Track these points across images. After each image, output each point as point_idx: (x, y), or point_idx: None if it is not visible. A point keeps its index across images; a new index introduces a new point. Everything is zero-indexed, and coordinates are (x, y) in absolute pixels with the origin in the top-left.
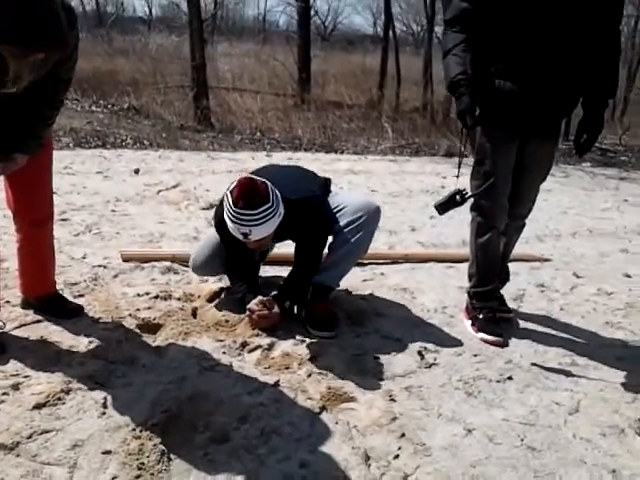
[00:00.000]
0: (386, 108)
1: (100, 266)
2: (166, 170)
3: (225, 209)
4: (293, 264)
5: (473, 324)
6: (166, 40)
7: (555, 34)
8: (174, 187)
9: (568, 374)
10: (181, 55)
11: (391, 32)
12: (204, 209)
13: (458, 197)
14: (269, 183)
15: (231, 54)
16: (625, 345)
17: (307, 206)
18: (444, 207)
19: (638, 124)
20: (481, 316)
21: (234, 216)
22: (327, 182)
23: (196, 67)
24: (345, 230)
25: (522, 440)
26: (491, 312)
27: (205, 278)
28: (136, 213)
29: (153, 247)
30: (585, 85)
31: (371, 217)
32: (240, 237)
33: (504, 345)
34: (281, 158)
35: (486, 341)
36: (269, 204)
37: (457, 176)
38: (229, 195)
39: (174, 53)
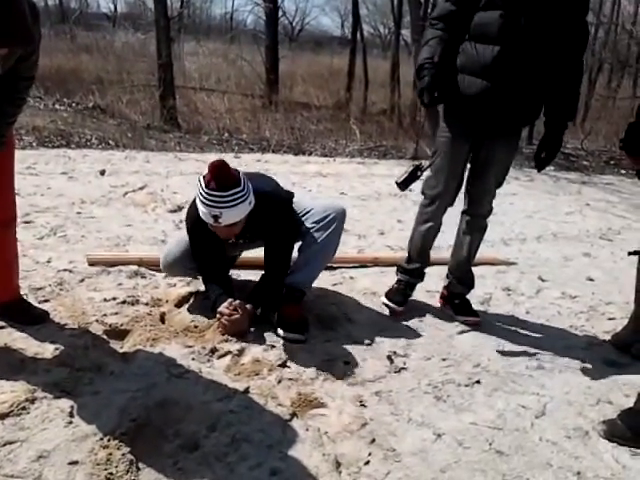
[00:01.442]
0: (354, 110)
1: (65, 270)
2: (133, 171)
3: (197, 194)
4: (264, 267)
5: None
6: (131, 37)
7: (521, 44)
8: (141, 189)
9: (535, 378)
10: (147, 53)
11: (359, 34)
12: (171, 211)
13: (418, 172)
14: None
15: (198, 53)
16: (588, 348)
17: (276, 201)
18: (406, 182)
19: (598, 129)
20: (395, 285)
21: (205, 198)
22: (290, 193)
23: (163, 66)
24: (312, 230)
25: (490, 444)
26: (403, 285)
27: (173, 282)
28: (102, 215)
29: (120, 251)
30: (547, 105)
31: (337, 217)
32: (211, 221)
33: (399, 314)
34: (250, 160)
35: (386, 305)
36: (240, 187)
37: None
38: (202, 179)
39: (140, 51)
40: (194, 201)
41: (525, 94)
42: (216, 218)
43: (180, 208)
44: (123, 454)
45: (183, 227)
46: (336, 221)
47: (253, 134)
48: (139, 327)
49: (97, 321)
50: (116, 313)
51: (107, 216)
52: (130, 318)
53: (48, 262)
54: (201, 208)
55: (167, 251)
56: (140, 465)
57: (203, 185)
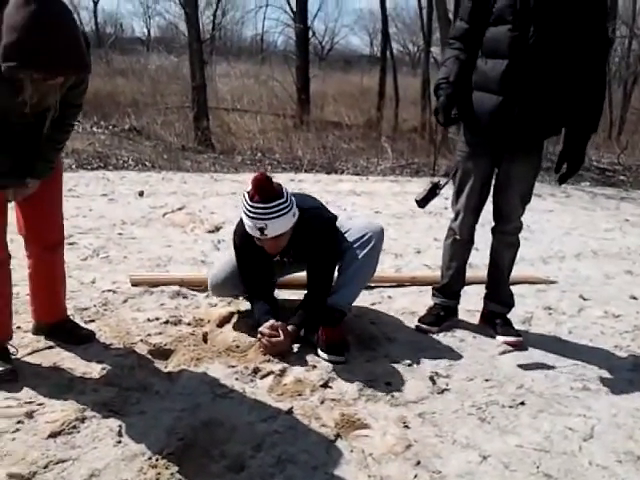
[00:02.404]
0: (385, 128)
1: (109, 291)
2: (170, 192)
3: (242, 209)
4: (307, 286)
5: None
6: (165, 60)
7: (530, 57)
8: (179, 210)
9: (580, 399)
10: (180, 75)
11: (388, 53)
12: (210, 232)
13: (437, 190)
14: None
15: (230, 74)
16: (635, 368)
17: (321, 218)
18: (425, 200)
19: (635, 143)
20: (429, 308)
21: (250, 211)
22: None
23: (196, 88)
24: (351, 250)
25: (538, 467)
26: (437, 307)
27: (214, 302)
28: (143, 236)
29: (161, 271)
30: (568, 117)
31: (376, 236)
32: (257, 234)
33: (433, 332)
34: (284, 179)
35: (418, 328)
36: (283, 199)
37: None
38: (246, 194)
39: (173, 73)
40: (241, 219)
41: (540, 107)
42: (262, 230)
43: (218, 228)
44: (172, 474)
45: (223, 247)
46: (374, 240)
47: (286, 154)
48: (182, 347)
49: (142, 341)
50: (160, 333)
51: (147, 237)
52: (173, 338)
53: (92, 283)
54: (247, 222)
55: (215, 273)
56: None
57: (247, 199)
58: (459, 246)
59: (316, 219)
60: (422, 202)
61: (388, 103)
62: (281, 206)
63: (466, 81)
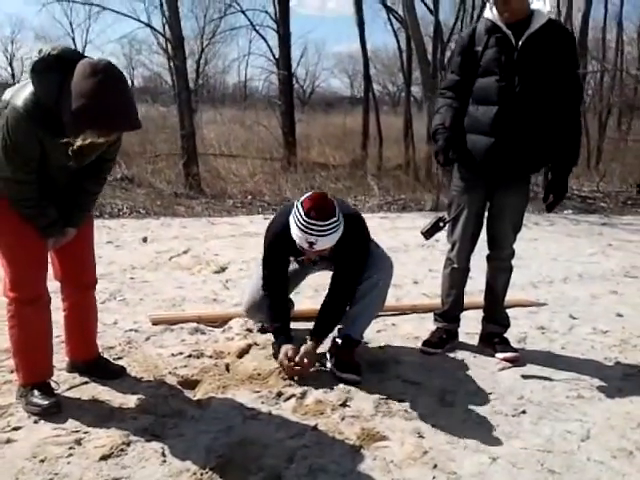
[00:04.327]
0: (370, 167)
1: (132, 330)
2: (172, 237)
3: (295, 218)
4: (330, 291)
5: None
6: (151, 109)
7: (517, 103)
8: (184, 253)
9: (576, 406)
10: (168, 124)
11: (370, 94)
12: (216, 272)
13: (441, 223)
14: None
15: (216, 121)
16: (624, 378)
17: (358, 224)
18: (430, 232)
19: (613, 171)
20: (432, 332)
21: (304, 226)
22: None
23: (186, 136)
24: (370, 278)
25: (542, 465)
26: (438, 332)
27: (231, 336)
28: (154, 279)
29: (177, 310)
30: (552, 153)
31: (390, 270)
32: (305, 245)
33: (437, 354)
34: None
35: (423, 350)
36: (336, 217)
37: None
38: (300, 206)
39: (160, 122)
40: (278, 220)
41: (526, 145)
42: (311, 244)
43: (224, 269)
44: None
45: (232, 286)
46: (388, 273)
47: (275, 195)
48: (208, 377)
49: (170, 373)
50: (185, 366)
51: (158, 279)
52: (199, 369)
53: (115, 323)
54: (297, 233)
55: (249, 296)
56: None
57: (302, 213)
58: (457, 274)
59: (354, 225)
60: (427, 234)
61: (372, 142)
62: (334, 224)
63: (459, 125)
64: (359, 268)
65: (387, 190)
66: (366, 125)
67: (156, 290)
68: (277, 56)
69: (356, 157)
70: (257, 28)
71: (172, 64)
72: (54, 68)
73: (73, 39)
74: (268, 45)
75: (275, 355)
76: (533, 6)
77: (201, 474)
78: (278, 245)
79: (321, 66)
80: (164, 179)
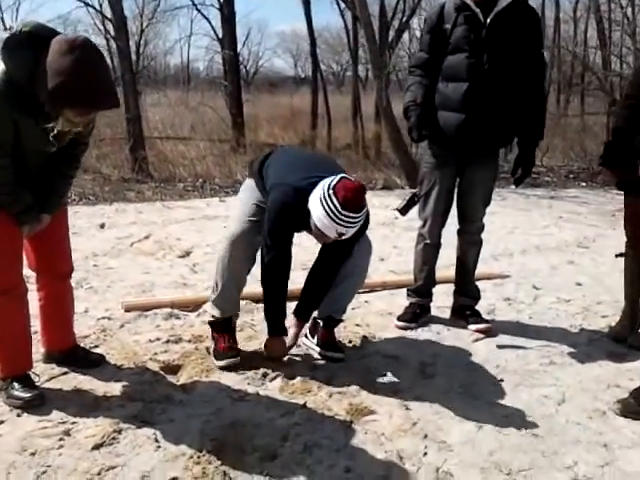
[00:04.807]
0: (319, 147)
1: (104, 318)
2: (130, 223)
3: (326, 207)
4: (315, 270)
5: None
6: None
7: (486, 80)
8: (146, 238)
9: (549, 372)
10: None
11: (318, 74)
12: (181, 257)
13: (416, 198)
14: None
15: (160, 103)
16: (590, 343)
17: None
18: (406, 208)
19: (555, 146)
20: (406, 307)
21: (339, 218)
22: None
23: (131, 119)
24: (353, 258)
25: (525, 429)
26: (413, 306)
27: (206, 320)
28: (119, 266)
29: (147, 296)
30: (518, 128)
31: (370, 250)
32: (333, 235)
33: (412, 328)
34: (234, 202)
35: (399, 327)
36: (366, 208)
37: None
38: (333, 195)
39: None
40: (288, 192)
41: (496, 121)
42: (340, 235)
43: (188, 253)
44: (216, 467)
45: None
46: (369, 254)
47: (226, 178)
48: (190, 361)
49: (151, 359)
50: (165, 351)
51: (123, 266)
52: (180, 354)
53: (86, 312)
54: (326, 222)
55: (232, 229)
56: (232, 475)
57: (337, 204)
58: (429, 249)
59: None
60: (403, 210)
61: (320, 122)
62: (363, 216)
63: (430, 102)
64: (350, 250)
65: None
66: (315, 105)
67: (122, 277)
68: (221, 36)
69: (305, 137)
70: (199, 7)
71: (115, 45)
72: (26, 45)
73: (2, 19)
74: (211, 25)
75: (273, 344)
76: None
77: (198, 457)
78: (288, 219)
79: (264, 46)
80: (110, 164)
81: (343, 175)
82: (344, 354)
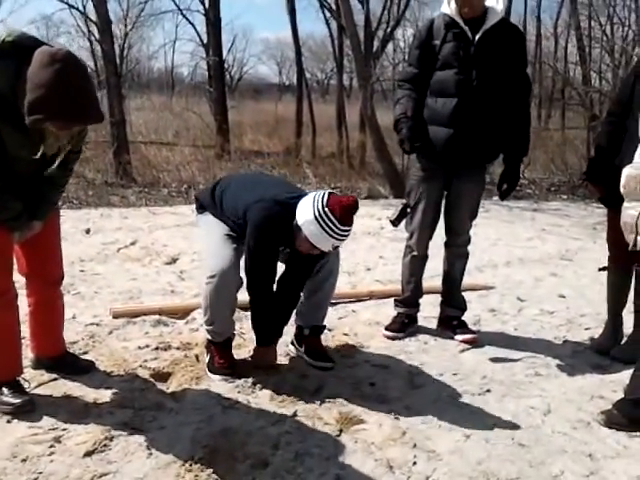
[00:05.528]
0: (304, 155)
1: (92, 324)
2: (116, 228)
3: (322, 222)
4: (285, 283)
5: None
6: None
7: (474, 96)
8: (132, 244)
9: (535, 383)
10: None
11: (303, 82)
12: (167, 264)
13: (408, 209)
14: None
15: (144, 107)
16: (574, 355)
17: None
18: (399, 219)
19: (536, 158)
20: (393, 317)
21: (337, 234)
22: None
23: (115, 123)
24: (325, 267)
25: (512, 439)
26: (399, 317)
27: (195, 327)
28: (106, 272)
29: (135, 303)
30: (504, 144)
31: (339, 255)
32: (328, 248)
33: (400, 338)
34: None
35: (386, 337)
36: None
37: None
38: (329, 212)
39: None
40: (271, 207)
41: (484, 136)
42: (335, 247)
43: (175, 260)
44: (208, 475)
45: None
46: (338, 258)
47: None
48: (180, 369)
49: (140, 366)
50: (155, 358)
51: (110, 272)
52: (169, 362)
53: (73, 318)
54: (322, 236)
55: (217, 264)
56: None
57: (335, 220)
58: (417, 261)
59: None
60: (396, 221)
61: (304, 130)
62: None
63: (420, 116)
64: (321, 258)
65: (323, 178)
66: (299, 113)
67: (109, 283)
68: (206, 41)
69: (290, 145)
70: (184, 12)
71: (100, 47)
72: (9, 55)
73: None
74: (196, 30)
75: (262, 354)
76: (487, 3)
77: (190, 465)
78: (273, 233)
79: (249, 52)
80: (93, 168)
81: (329, 191)
82: (334, 362)
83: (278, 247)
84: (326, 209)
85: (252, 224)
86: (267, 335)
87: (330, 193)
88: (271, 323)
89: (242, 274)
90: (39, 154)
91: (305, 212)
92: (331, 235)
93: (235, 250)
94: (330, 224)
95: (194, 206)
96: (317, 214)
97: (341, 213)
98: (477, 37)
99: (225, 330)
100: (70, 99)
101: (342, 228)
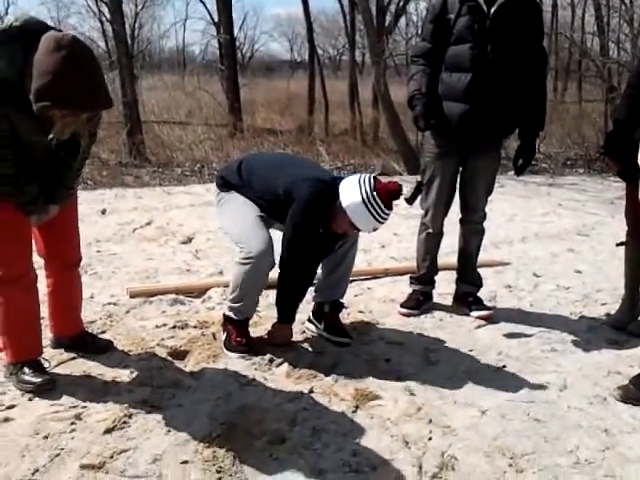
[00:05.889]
0: (317, 132)
1: (110, 304)
2: (131, 208)
3: (369, 205)
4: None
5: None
6: None
7: (490, 70)
8: (148, 224)
9: (550, 359)
10: None
11: (315, 58)
12: (183, 243)
13: (422, 187)
14: None
15: (156, 87)
16: (590, 330)
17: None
18: (413, 198)
19: (552, 132)
20: (409, 294)
21: (381, 217)
22: None
23: (128, 103)
24: (345, 244)
25: (528, 415)
26: (416, 293)
27: (211, 305)
28: (122, 252)
29: (152, 282)
30: (519, 119)
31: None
32: (369, 230)
33: (415, 315)
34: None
35: (402, 314)
36: None
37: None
38: (377, 195)
39: None
40: (320, 188)
41: (499, 111)
42: (375, 230)
43: (190, 239)
44: (226, 450)
45: (203, 256)
46: (357, 234)
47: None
48: (197, 347)
49: (158, 345)
50: (172, 337)
51: (126, 252)
52: (187, 340)
53: (91, 298)
54: (367, 219)
55: (253, 246)
56: (242, 458)
57: (382, 204)
58: (432, 239)
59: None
60: (411, 199)
61: (317, 107)
62: None
63: (434, 92)
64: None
65: (336, 155)
66: (311, 90)
67: (126, 262)
68: (217, 19)
69: (302, 122)
70: None
71: (111, 28)
72: (17, 40)
73: None
74: (207, 8)
75: (281, 332)
76: None
77: (208, 441)
78: (321, 211)
79: (260, 29)
80: (107, 148)
81: (374, 175)
82: (352, 339)
83: (319, 226)
84: (374, 193)
85: (301, 201)
86: (292, 312)
87: (375, 177)
88: (298, 301)
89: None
90: (50, 139)
91: (351, 194)
92: (376, 218)
93: (268, 232)
94: (377, 207)
95: (209, 185)
96: (365, 197)
97: (387, 198)
98: (493, 10)
99: (249, 309)
100: (77, 86)
101: (386, 212)
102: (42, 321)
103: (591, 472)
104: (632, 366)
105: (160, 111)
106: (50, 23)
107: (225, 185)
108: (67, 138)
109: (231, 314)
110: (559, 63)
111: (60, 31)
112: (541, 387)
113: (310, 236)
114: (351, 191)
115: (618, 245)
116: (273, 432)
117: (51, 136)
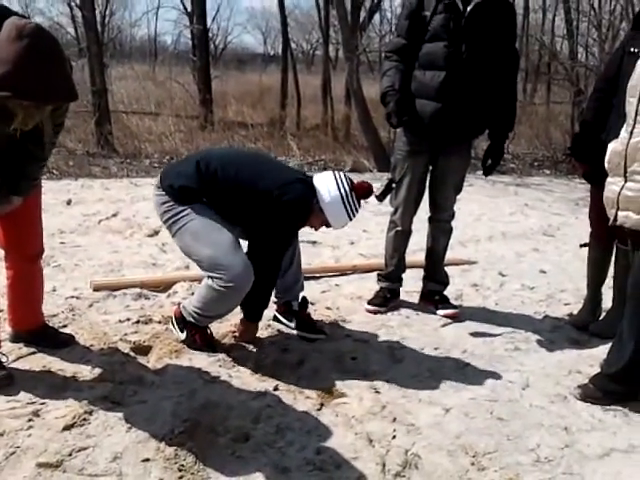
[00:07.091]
0: (288, 126)
1: (73, 297)
2: (97, 199)
3: (347, 204)
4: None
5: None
6: None
7: (463, 69)
8: (114, 216)
9: (514, 357)
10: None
11: (289, 52)
12: (149, 236)
13: (393, 185)
14: None
15: (126, 77)
16: (553, 330)
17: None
18: (383, 195)
19: (521, 133)
20: (376, 292)
21: (354, 214)
22: None
23: (97, 92)
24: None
25: (491, 413)
26: (382, 291)
27: (176, 301)
28: (86, 244)
29: (116, 276)
30: (489, 119)
31: None
32: (340, 227)
33: (382, 312)
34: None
35: (368, 311)
36: None
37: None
38: (354, 193)
39: None
40: (305, 192)
41: (471, 111)
42: (343, 227)
43: (157, 232)
44: (189, 448)
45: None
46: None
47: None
48: (161, 342)
49: (121, 340)
50: (135, 332)
51: (91, 244)
52: (150, 335)
53: (54, 291)
54: (344, 217)
55: (233, 267)
56: (204, 456)
57: (357, 204)
58: (401, 236)
59: None
60: (381, 196)
61: (289, 101)
62: None
63: (407, 89)
64: None
65: (307, 150)
66: (284, 84)
67: (90, 255)
68: (190, 9)
69: (274, 116)
70: None
71: (80, 14)
72: None
73: None
74: None
75: (248, 329)
76: None
77: (170, 439)
78: (306, 215)
79: (233, 21)
80: (74, 138)
81: (346, 174)
82: (326, 334)
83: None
84: (352, 193)
85: (289, 206)
86: (260, 312)
87: (364, 182)
88: (267, 301)
89: None
90: (13, 129)
91: (330, 193)
92: (349, 216)
93: (243, 251)
94: (353, 206)
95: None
96: (344, 196)
97: (362, 196)
98: (469, 9)
99: (213, 321)
100: (38, 78)
101: (358, 210)
102: (1, 314)
103: (550, 470)
104: (592, 365)
105: (130, 101)
106: (17, 7)
107: (183, 196)
108: (31, 129)
109: (193, 321)
110: (529, 65)
111: (24, 17)
112: (504, 386)
113: (290, 239)
114: (330, 189)
115: (582, 246)
116: (237, 429)
117: (14, 126)
